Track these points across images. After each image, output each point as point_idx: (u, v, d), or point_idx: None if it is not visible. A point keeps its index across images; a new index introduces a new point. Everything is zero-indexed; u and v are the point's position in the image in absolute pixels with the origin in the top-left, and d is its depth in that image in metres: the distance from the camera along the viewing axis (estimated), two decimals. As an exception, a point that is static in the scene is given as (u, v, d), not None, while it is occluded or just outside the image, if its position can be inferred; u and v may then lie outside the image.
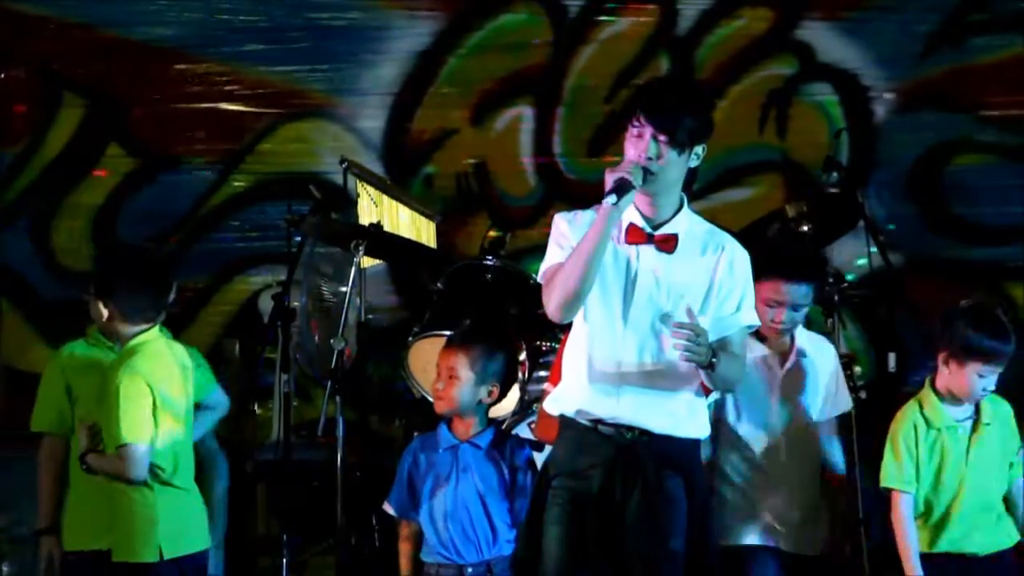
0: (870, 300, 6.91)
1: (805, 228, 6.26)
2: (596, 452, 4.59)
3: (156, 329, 5.41)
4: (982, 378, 5.34)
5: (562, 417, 4.69)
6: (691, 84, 4.87)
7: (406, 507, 5.37)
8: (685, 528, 4.58)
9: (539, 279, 4.67)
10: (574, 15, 7.63)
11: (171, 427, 5.33)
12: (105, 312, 5.37)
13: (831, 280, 6.25)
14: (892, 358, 6.40)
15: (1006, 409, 5.47)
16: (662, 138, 4.53)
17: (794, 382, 5.37)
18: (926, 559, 5.38)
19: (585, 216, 4.65)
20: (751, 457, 5.34)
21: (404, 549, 5.42)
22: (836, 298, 6.15)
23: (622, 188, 4.47)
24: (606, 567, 4.56)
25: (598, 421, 4.60)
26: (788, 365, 5.37)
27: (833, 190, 6.54)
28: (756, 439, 5.33)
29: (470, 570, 5.25)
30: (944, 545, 5.37)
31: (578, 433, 4.63)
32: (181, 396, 5.37)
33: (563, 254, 4.59)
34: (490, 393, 5.33)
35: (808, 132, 7.56)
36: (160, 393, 5.28)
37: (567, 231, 4.63)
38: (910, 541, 5.41)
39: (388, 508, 5.42)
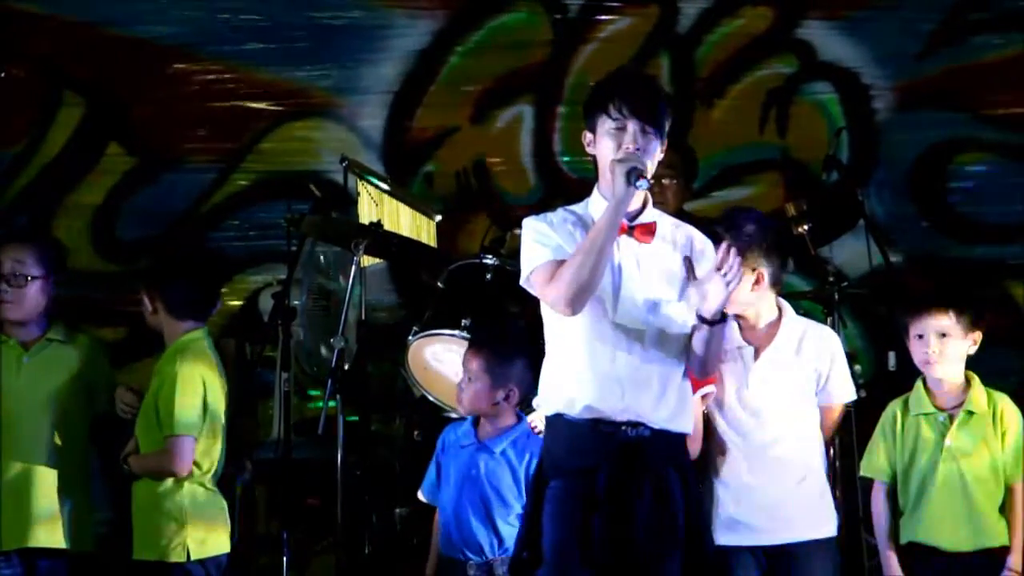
0: (870, 299, 6.91)
1: (805, 227, 6.26)
2: (598, 451, 4.58)
3: (204, 329, 5.47)
4: (920, 339, 5.34)
5: (558, 416, 4.67)
6: (653, 77, 4.92)
7: (434, 493, 5.41)
8: (683, 525, 4.59)
9: (525, 280, 4.64)
10: (574, 14, 7.64)
11: (212, 427, 5.38)
12: (151, 306, 5.44)
13: (831, 279, 6.26)
14: (892, 357, 6.41)
15: (1006, 406, 5.43)
16: (649, 130, 4.55)
17: (767, 375, 5.30)
18: (906, 549, 5.37)
19: (556, 216, 4.68)
20: (726, 452, 5.29)
21: (435, 535, 5.44)
22: (836, 297, 6.15)
23: (641, 175, 4.48)
24: (612, 567, 4.54)
25: (598, 419, 4.59)
26: (760, 358, 5.31)
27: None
28: (729, 434, 5.29)
29: (473, 571, 5.26)
30: (919, 535, 5.36)
31: (576, 432, 4.61)
32: (222, 398, 5.42)
33: (548, 251, 4.59)
34: (507, 396, 5.33)
35: (808, 131, 7.56)
36: (209, 392, 5.34)
37: (547, 229, 4.63)
38: (880, 530, 5.42)
39: (419, 494, 5.46)
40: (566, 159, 7.60)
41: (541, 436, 5.44)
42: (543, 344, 5.34)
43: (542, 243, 4.62)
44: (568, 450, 4.63)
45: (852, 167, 7.38)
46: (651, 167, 4.59)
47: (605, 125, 4.58)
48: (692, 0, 7.63)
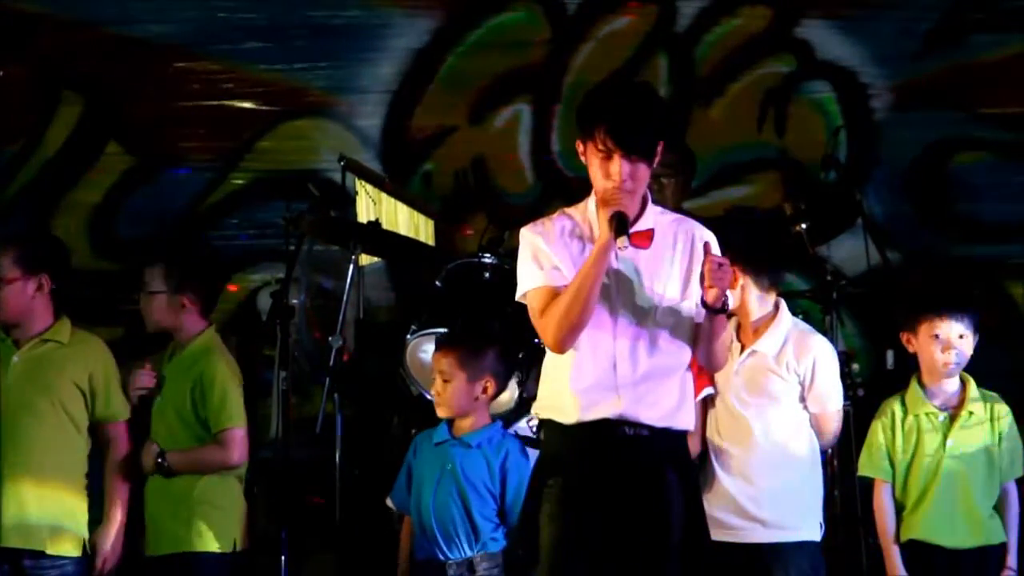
0: (868, 298, 6.91)
1: (803, 226, 6.27)
2: (595, 450, 4.59)
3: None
4: (936, 339, 5.36)
5: (554, 420, 4.67)
6: (641, 87, 4.87)
7: (404, 501, 5.40)
8: (681, 524, 4.59)
9: (520, 298, 4.67)
10: (573, 13, 7.63)
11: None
12: (181, 304, 5.48)
13: (829, 277, 6.26)
14: (890, 355, 6.41)
15: (1001, 408, 5.48)
16: (636, 157, 4.57)
17: (747, 374, 5.31)
18: (907, 547, 5.39)
19: (554, 226, 4.70)
20: (706, 448, 5.30)
21: (403, 544, 5.44)
22: (834, 296, 6.16)
23: (624, 223, 4.52)
24: (608, 564, 4.55)
25: (597, 421, 4.59)
26: (741, 358, 5.33)
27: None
28: (709, 430, 5.30)
29: (453, 569, 5.26)
30: (919, 533, 5.38)
31: (574, 431, 4.62)
32: None
33: (544, 275, 4.62)
34: (485, 389, 5.35)
35: (806, 130, 7.55)
36: (241, 383, 5.45)
37: (542, 245, 4.66)
38: (885, 529, 5.44)
39: (388, 502, 5.46)
40: (564, 158, 7.61)
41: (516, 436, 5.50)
42: (512, 335, 5.37)
43: (537, 263, 4.65)
44: (566, 449, 4.64)
45: (850, 166, 7.38)
46: (642, 185, 4.63)
47: (592, 153, 4.61)
48: (690, -1, 7.65)
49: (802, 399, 5.30)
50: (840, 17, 7.58)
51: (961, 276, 7.17)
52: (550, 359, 4.75)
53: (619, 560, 4.54)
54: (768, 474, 5.24)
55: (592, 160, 4.63)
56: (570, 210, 4.77)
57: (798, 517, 5.26)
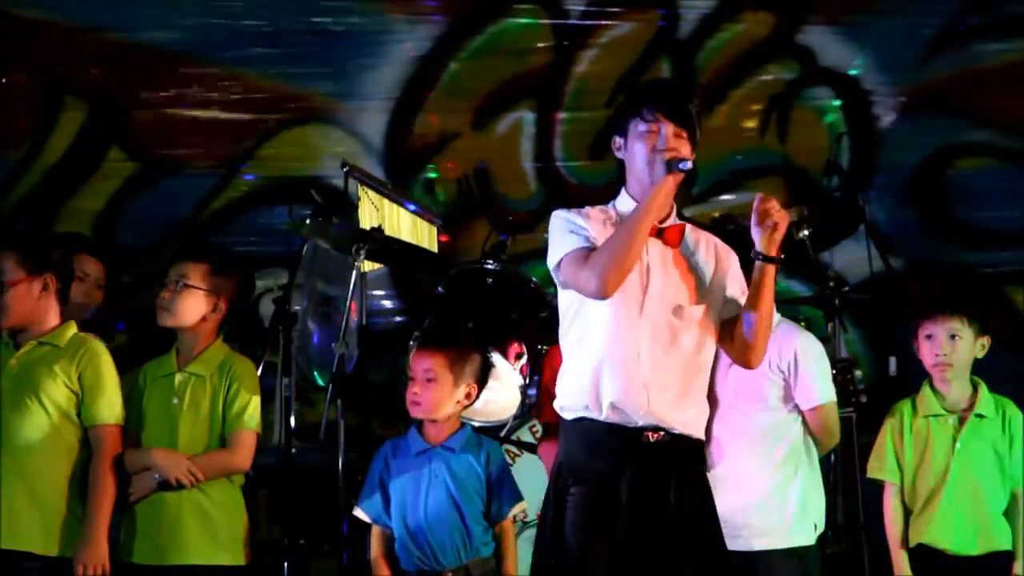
0: (871, 304, 6.91)
1: (806, 232, 6.27)
2: (620, 455, 4.56)
3: None
4: (929, 339, 5.37)
5: (578, 420, 4.62)
6: (688, 83, 4.90)
7: (380, 512, 5.33)
8: (701, 531, 4.58)
9: (555, 267, 4.63)
10: (575, 19, 7.64)
11: None
12: (220, 307, 5.51)
13: (832, 284, 6.26)
14: (893, 362, 6.41)
15: (1013, 412, 5.46)
16: (683, 135, 4.57)
17: (737, 379, 5.29)
18: (915, 552, 5.38)
19: (588, 210, 4.69)
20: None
21: (376, 554, 5.37)
22: (836, 302, 6.16)
23: (682, 159, 4.53)
24: (637, 572, 4.52)
25: (620, 424, 4.56)
26: (729, 361, 5.32)
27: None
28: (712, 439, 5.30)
29: (449, 575, 5.23)
30: (927, 537, 5.37)
31: (597, 436, 4.58)
32: None
33: (581, 239, 4.59)
34: (467, 395, 5.32)
35: (809, 136, 7.56)
36: None
37: (579, 219, 4.65)
38: (893, 533, 5.43)
39: (360, 513, 5.37)
40: (567, 164, 7.61)
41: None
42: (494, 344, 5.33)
43: (575, 232, 4.62)
44: (589, 455, 4.60)
45: (853, 172, 7.38)
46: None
47: (638, 128, 4.60)
48: (693, 5, 7.63)
49: (789, 399, 5.28)
50: (843, 23, 7.59)
51: (958, 280, 7.18)
52: (573, 357, 4.68)
53: (647, 567, 4.50)
54: (756, 480, 5.21)
55: (635, 140, 4.61)
56: (597, 206, 4.76)
57: (788, 522, 5.24)
